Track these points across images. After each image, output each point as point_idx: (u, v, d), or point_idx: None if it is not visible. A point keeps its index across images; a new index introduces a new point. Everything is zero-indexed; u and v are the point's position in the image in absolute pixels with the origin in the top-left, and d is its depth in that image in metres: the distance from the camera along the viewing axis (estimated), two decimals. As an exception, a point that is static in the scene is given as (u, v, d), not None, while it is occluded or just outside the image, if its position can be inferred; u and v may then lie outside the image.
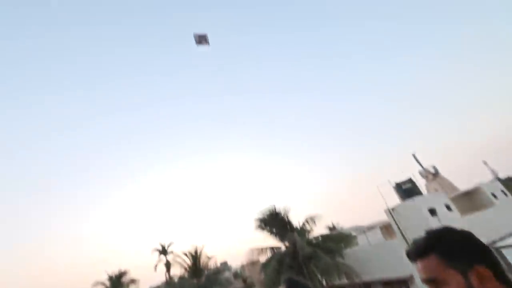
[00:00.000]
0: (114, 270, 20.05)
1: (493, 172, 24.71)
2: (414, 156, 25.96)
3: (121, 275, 20.17)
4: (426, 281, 0.63)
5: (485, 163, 25.82)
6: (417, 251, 0.66)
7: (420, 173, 24.40)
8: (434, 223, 12.22)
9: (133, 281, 20.34)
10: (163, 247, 22.79)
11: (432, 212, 12.70)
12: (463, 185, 17.96)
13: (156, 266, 22.39)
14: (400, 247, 11.51)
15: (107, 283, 19.46)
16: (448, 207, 13.65)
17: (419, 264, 0.65)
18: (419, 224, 12.35)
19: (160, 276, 22.92)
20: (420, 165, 25.26)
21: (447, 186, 22.14)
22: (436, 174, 24.04)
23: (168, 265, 21.57)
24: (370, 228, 17.17)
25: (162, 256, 22.46)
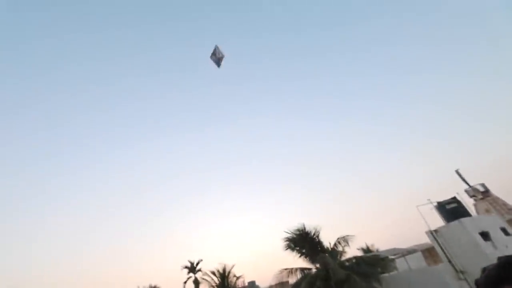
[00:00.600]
0: (145, 285, 20.60)
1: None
2: (457, 172, 23.58)
3: None
4: None
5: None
6: (490, 281, 0.60)
7: (467, 192, 22.03)
8: (488, 249, 10.81)
9: None
10: (192, 264, 22.98)
11: (485, 235, 11.31)
12: (520, 206, 15.79)
13: (185, 283, 22.57)
14: (445, 273, 10.31)
15: None
16: (504, 231, 12.04)
17: None
18: (468, 249, 11.00)
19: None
20: (466, 182, 22.84)
21: (501, 206, 19.68)
22: (486, 192, 21.55)
23: (196, 283, 21.60)
24: (410, 251, 15.62)
25: (191, 273, 22.62)
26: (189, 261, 23.83)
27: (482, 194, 21.61)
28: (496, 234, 11.48)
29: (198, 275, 21.85)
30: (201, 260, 24.77)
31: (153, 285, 20.86)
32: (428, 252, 14.28)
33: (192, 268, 22.79)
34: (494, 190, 21.50)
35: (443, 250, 11.46)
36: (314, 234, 13.32)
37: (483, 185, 22.12)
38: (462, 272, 10.97)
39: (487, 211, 19.56)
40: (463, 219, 11.66)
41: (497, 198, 20.80)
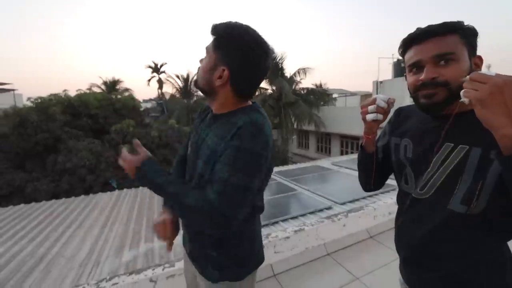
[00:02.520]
0: (108, 77, 21.03)
1: None
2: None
3: (115, 82, 21.26)
4: (439, 56, 0.62)
5: None
6: (439, 31, 0.63)
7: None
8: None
9: (127, 90, 21.61)
10: (156, 65, 23.44)
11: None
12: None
13: (149, 81, 23.94)
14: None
15: (102, 87, 20.74)
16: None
17: (433, 43, 0.63)
18: (399, 103, 13.30)
19: (152, 92, 24.91)
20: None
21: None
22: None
23: (160, 83, 23.12)
24: (353, 94, 18.41)
25: (155, 74, 23.56)
26: (153, 61, 24.03)
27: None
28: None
29: (162, 76, 22.93)
30: (165, 63, 25.22)
31: (116, 78, 21.52)
32: (365, 97, 17.03)
33: (156, 69, 23.45)
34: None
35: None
36: (279, 60, 14.00)
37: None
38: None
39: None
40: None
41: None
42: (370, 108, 0.75)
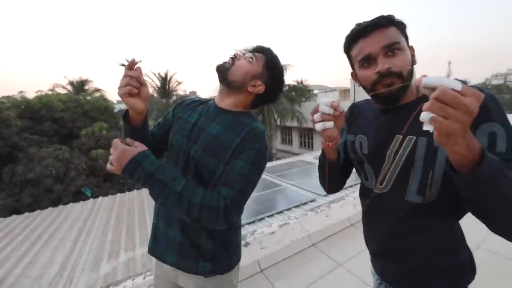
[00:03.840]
0: (75, 76, 18.80)
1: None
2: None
3: (83, 82, 19.47)
4: (388, 46, 0.64)
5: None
6: (382, 23, 0.66)
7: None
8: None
9: (98, 90, 19.83)
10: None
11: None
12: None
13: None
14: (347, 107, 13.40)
15: (69, 87, 18.19)
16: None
17: (379, 34, 0.65)
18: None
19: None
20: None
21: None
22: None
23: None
24: (333, 90, 18.87)
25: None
26: (126, 59, 23.06)
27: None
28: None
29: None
30: (140, 61, 24.24)
31: (84, 78, 19.93)
32: (344, 92, 17.49)
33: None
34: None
35: (354, 92, 14.18)
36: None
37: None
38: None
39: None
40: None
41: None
42: (315, 117, 0.66)
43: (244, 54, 0.89)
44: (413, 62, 0.67)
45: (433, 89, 0.41)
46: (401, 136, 0.67)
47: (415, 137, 0.65)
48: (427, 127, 0.43)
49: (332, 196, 3.48)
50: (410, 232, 0.69)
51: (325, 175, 0.83)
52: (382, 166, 0.72)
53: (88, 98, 13.73)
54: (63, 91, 17.27)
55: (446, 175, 0.60)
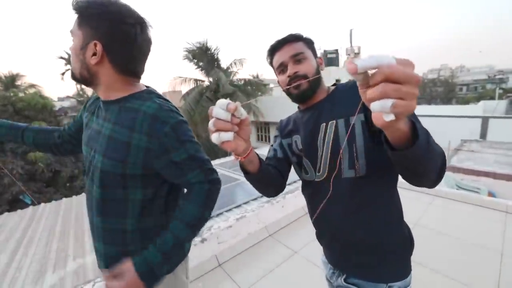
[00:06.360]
0: (3, 71, 16.50)
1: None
2: (350, 32, 26.71)
3: (14, 77, 16.99)
4: (295, 55, 0.78)
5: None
6: (290, 39, 0.81)
7: (346, 50, 26.36)
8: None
9: (33, 86, 17.57)
10: (70, 56, 20.02)
11: (337, 81, 15.12)
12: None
13: (63, 74, 20.33)
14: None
15: None
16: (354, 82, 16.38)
17: (288, 47, 0.80)
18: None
19: (70, 88, 21.25)
20: (351, 42, 26.78)
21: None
22: (357, 54, 26.52)
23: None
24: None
25: (69, 65, 20.14)
26: (65, 51, 20.37)
27: (354, 55, 26.60)
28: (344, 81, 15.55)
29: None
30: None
31: (15, 72, 17.21)
32: (298, 87, 18.27)
33: (70, 60, 20.06)
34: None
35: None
36: (214, 51, 13.72)
37: (359, 48, 26.70)
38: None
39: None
40: (331, 67, 14.72)
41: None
42: (209, 125, 0.48)
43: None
44: (320, 69, 0.83)
45: (364, 73, 0.36)
46: (324, 123, 0.77)
47: (335, 121, 0.75)
48: (388, 117, 0.34)
49: (289, 187, 3.60)
50: (353, 212, 0.74)
51: (256, 187, 0.78)
52: (317, 155, 0.79)
53: (21, 95, 11.82)
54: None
55: (367, 147, 0.69)
